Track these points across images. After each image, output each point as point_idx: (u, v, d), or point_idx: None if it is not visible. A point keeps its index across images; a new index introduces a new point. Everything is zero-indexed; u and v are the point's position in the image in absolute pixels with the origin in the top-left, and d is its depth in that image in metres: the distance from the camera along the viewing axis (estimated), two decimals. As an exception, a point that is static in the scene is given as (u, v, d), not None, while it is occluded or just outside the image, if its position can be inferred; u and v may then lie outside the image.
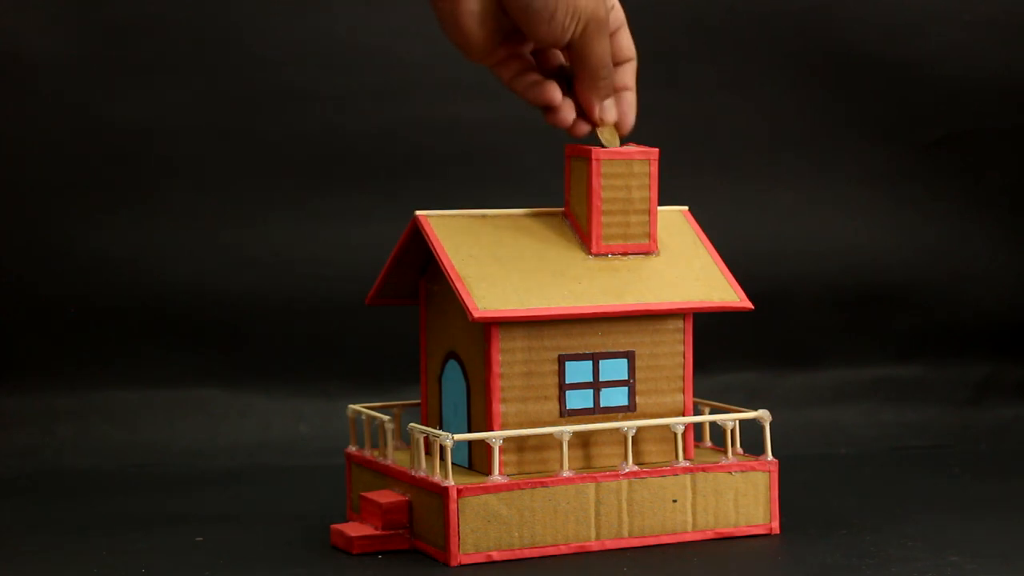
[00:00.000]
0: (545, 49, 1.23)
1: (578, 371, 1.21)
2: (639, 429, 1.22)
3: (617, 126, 1.24)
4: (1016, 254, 1.75)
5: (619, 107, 1.24)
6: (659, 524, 1.21)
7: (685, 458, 1.23)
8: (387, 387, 1.61)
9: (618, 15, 1.22)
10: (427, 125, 1.68)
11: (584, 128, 1.24)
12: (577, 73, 1.21)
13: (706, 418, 1.25)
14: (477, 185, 1.67)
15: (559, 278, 1.21)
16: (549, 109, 1.22)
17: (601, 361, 1.22)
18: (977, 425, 1.69)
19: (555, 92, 1.21)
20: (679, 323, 1.24)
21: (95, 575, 1.16)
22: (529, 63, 1.22)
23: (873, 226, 1.74)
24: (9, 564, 1.20)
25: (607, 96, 1.22)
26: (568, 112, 1.22)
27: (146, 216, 1.65)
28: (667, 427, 1.23)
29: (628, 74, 1.24)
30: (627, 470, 1.20)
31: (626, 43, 1.23)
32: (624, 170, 1.23)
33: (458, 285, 1.18)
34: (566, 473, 1.19)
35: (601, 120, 1.22)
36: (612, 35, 1.22)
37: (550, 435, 1.20)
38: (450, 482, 1.16)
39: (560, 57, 1.24)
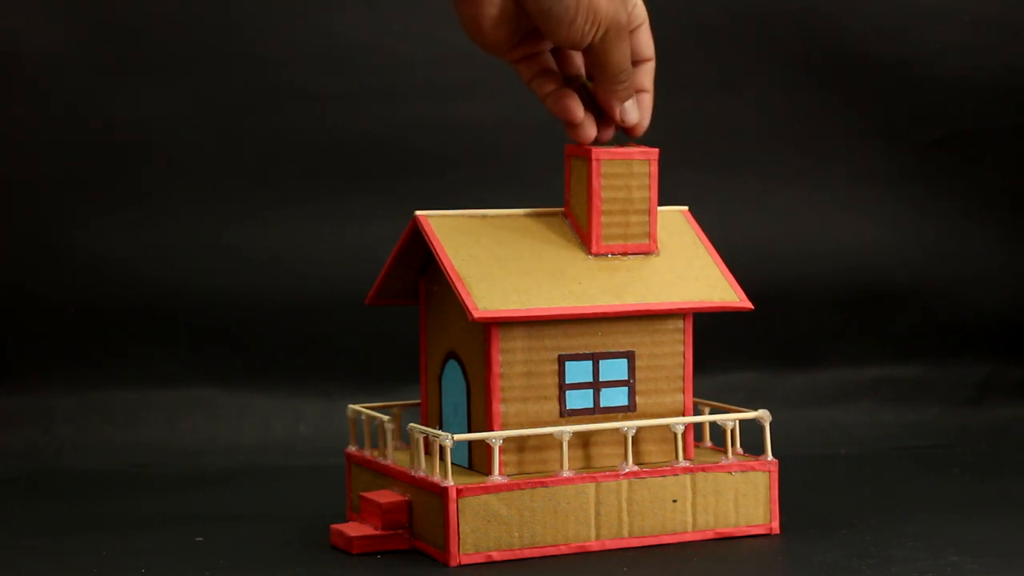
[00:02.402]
0: (565, 49, 1.23)
1: (578, 371, 1.21)
2: (639, 429, 1.22)
3: (631, 128, 1.24)
4: (1016, 254, 1.75)
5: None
6: (659, 524, 1.21)
7: (685, 458, 1.23)
8: (387, 387, 1.61)
9: (639, 13, 1.22)
10: (427, 125, 1.67)
11: (607, 134, 1.23)
12: (596, 77, 1.21)
13: (706, 418, 1.25)
14: (477, 185, 1.67)
15: (559, 278, 1.21)
16: (571, 124, 1.22)
17: (601, 361, 1.22)
18: (977, 425, 1.69)
19: (578, 109, 1.21)
20: (679, 323, 1.24)
21: (95, 575, 1.16)
22: (548, 64, 1.22)
23: (873, 226, 1.74)
24: (9, 564, 1.20)
25: (627, 98, 1.22)
26: (590, 129, 1.22)
27: (146, 216, 1.65)
28: (667, 427, 1.23)
29: (646, 75, 1.24)
30: (627, 470, 1.20)
31: (645, 42, 1.23)
32: (624, 170, 1.23)
33: (458, 285, 1.18)
34: (566, 473, 1.19)
35: (622, 122, 1.22)
36: (632, 33, 1.21)
37: (550, 435, 1.20)
38: (450, 482, 1.16)
39: (580, 61, 1.24)
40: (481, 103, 1.68)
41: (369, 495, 1.23)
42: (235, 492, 1.46)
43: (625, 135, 1.24)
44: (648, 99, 1.24)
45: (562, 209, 1.26)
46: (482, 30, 1.18)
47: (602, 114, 1.23)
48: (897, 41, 1.71)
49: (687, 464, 1.22)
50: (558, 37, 1.17)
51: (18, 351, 1.64)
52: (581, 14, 1.15)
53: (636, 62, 1.23)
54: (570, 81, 1.23)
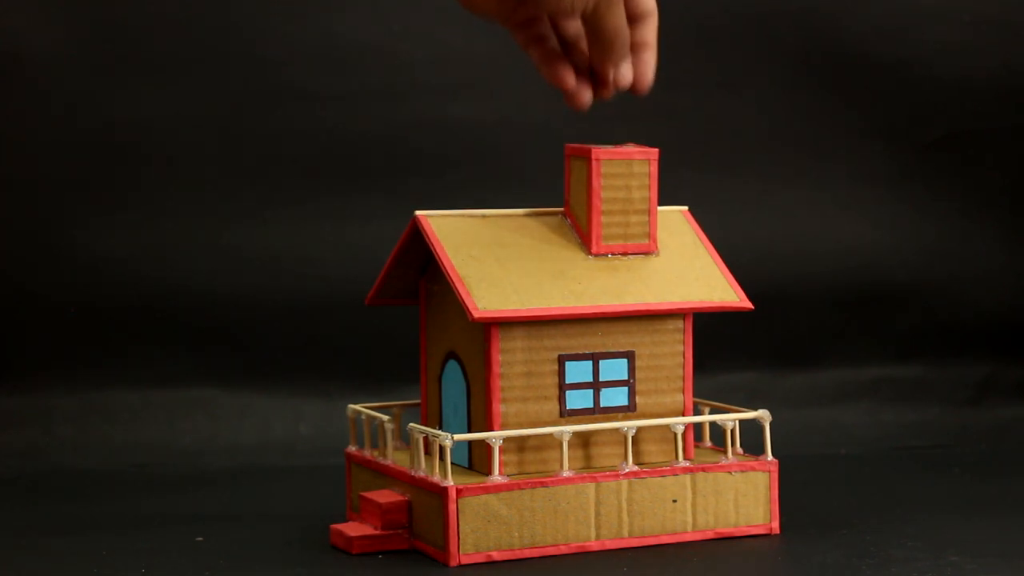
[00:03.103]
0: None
1: (578, 371, 1.21)
2: (639, 429, 1.22)
3: (634, 87, 1.20)
4: (1016, 254, 1.75)
5: (637, 67, 1.18)
6: (659, 524, 1.21)
7: (685, 458, 1.23)
8: (387, 387, 1.61)
9: None
10: (427, 125, 1.67)
11: (605, 94, 1.20)
12: (591, 42, 1.17)
13: (706, 418, 1.25)
14: (477, 185, 1.67)
15: (559, 278, 1.21)
16: (564, 91, 1.19)
17: (601, 361, 1.22)
18: (977, 425, 1.69)
19: (569, 76, 1.17)
20: (679, 323, 1.24)
21: (95, 575, 1.16)
22: (544, 31, 1.18)
23: (873, 226, 1.74)
24: (9, 564, 1.20)
25: (622, 60, 1.18)
26: (585, 95, 1.18)
27: (146, 216, 1.65)
28: (667, 427, 1.23)
29: (648, 30, 1.18)
30: (627, 470, 1.20)
31: None
32: (624, 170, 1.23)
33: (458, 285, 1.18)
34: (566, 473, 1.19)
35: (616, 84, 1.19)
36: None
37: (550, 435, 1.20)
38: (450, 482, 1.16)
39: (577, 23, 1.20)
40: (481, 103, 1.68)
41: (369, 495, 1.23)
42: (235, 492, 1.46)
43: (631, 93, 1.21)
44: (651, 56, 1.18)
45: (562, 209, 1.26)
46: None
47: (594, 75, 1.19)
48: (897, 41, 1.71)
49: (687, 464, 1.22)
50: (549, 6, 1.15)
51: (18, 351, 1.64)
52: None
53: (638, 16, 1.18)
54: (567, 46, 1.20)
